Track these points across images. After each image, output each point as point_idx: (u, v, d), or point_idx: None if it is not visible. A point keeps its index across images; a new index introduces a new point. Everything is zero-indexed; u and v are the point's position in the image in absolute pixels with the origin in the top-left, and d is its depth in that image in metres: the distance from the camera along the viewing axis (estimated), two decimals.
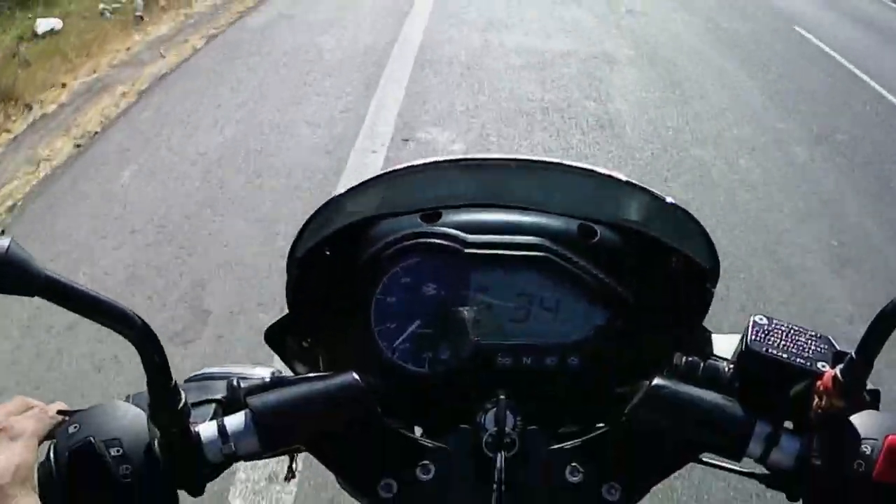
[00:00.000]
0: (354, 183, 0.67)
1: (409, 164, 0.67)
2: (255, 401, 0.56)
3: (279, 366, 0.70)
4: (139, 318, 0.49)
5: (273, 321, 0.70)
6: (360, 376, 0.57)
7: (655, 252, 0.66)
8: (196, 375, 0.66)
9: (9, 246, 0.44)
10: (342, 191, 0.66)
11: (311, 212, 0.67)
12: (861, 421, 0.52)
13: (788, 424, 0.55)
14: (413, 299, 0.63)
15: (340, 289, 0.66)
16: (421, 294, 0.63)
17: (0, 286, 0.44)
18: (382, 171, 0.67)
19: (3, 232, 0.50)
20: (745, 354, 0.54)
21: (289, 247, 0.68)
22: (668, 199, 0.65)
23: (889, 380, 2.20)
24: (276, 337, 0.72)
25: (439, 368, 0.63)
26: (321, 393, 0.56)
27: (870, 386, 0.53)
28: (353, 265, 0.65)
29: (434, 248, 0.62)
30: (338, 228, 0.66)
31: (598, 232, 0.65)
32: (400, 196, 0.69)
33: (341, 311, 0.66)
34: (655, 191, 0.65)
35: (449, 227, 0.64)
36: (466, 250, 0.62)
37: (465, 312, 0.62)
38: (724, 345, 0.64)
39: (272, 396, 0.56)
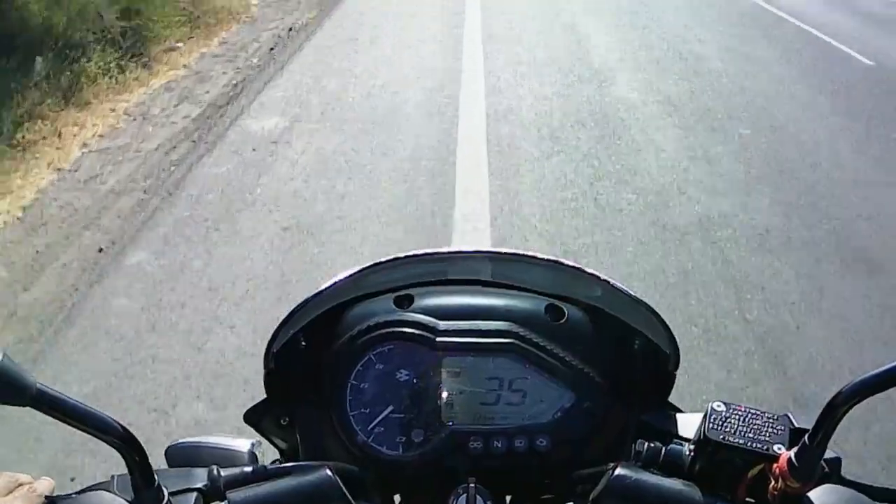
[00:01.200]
0: (325, 285, 0.69)
1: (381, 260, 0.70)
2: (234, 496, 0.57)
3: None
4: (122, 426, 0.51)
5: (251, 405, 0.72)
6: (335, 467, 0.58)
7: (619, 333, 0.68)
8: (178, 445, 0.68)
9: (1, 359, 0.46)
10: (316, 290, 0.68)
11: (288, 311, 0.69)
12: (819, 496, 0.53)
13: None
14: (387, 385, 0.65)
15: (316, 375, 0.67)
16: (394, 380, 0.65)
17: None
18: (355, 269, 0.69)
19: None
20: (703, 442, 0.56)
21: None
22: (631, 293, 0.67)
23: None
24: (256, 417, 0.73)
25: (413, 452, 0.64)
26: (297, 489, 0.58)
27: (830, 454, 0.55)
28: (327, 352, 0.67)
29: (406, 336, 0.64)
30: (312, 318, 0.68)
31: (567, 312, 0.67)
32: (373, 280, 0.71)
33: (317, 396, 0.67)
34: (619, 284, 0.68)
35: (421, 313, 0.66)
36: (438, 339, 0.64)
37: (438, 397, 0.64)
38: (688, 423, 0.65)
39: (250, 493, 0.58)
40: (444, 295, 0.69)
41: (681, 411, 0.68)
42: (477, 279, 0.71)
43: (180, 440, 0.69)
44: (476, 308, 0.67)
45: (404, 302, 0.68)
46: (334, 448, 0.66)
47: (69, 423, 0.50)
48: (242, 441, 0.69)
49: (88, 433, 0.51)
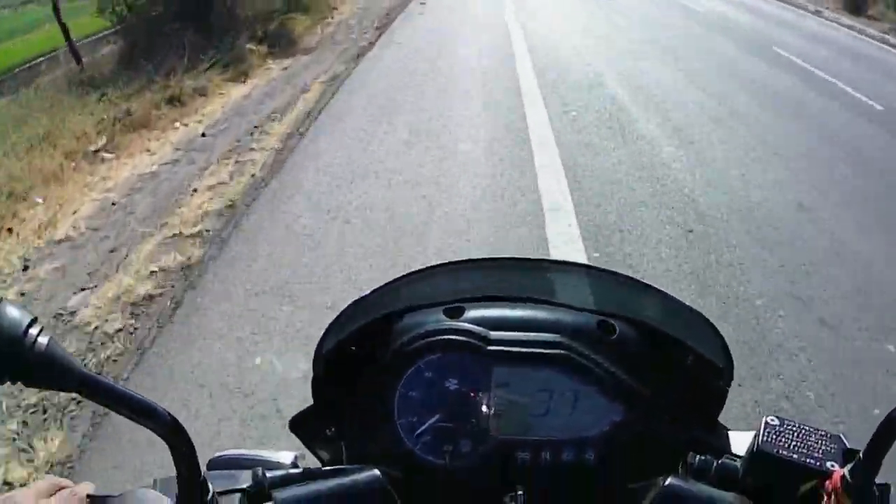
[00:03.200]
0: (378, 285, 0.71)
1: (433, 265, 0.71)
2: (280, 494, 0.57)
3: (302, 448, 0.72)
4: (169, 414, 0.51)
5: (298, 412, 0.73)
6: (382, 471, 0.58)
7: (672, 350, 0.69)
8: (221, 457, 0.68)
9: (48, 343, 0.46)
10: (366, 292, 0.69)
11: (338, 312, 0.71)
12: None
13: None
14: (435, 394, 0.66)
15: (364, 382, 0.68)
16: (443, 388, 0.66)
17: (40, 381, 0.47)
18: (407, 273, 0.70)
19: (41, 328, 0.51)
20: (757, 455, 0.56)
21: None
22: (686, 304, 0.68)
23: None
24: (301, 426, 0.74)
25: (460, 462, 0.64)
26: (345, 488, 0.58)
27: (880, 480, 0.55)
28: (377, 360, 0.68)
29: (456, 344, 0.65)
30: (362, 324, 0.69)
31: (617, 328, 0.67)
32: (424, 292, 0.72)
33: (365, 404, 0.68)
34: (673, 295, 0.69)
35: (471, 323, 0.67)
36: (488, 347, 0.65)
37: (486, 407, 0.65)
38: (739, 441, 0.66)
39: (297, 491, 0.58)
40: (495, 308, 0.70)
41: (731, 430, 0.68)
42: (528, 296, 0.72)
43: (222, 452, 0.69)
44: (527, 320, 0.68)
45: (455, 313, 0.69)
46: (380, 456, 0.67)
47: (115, 410, 0.50)
48: (285, 453, 0.69)
49: (134, 420, 0.50)
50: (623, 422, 0.64)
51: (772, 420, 0.57)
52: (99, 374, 0.50)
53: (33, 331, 0.46)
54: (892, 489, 0.57)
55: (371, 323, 0.70)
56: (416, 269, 0.71)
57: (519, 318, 0.69)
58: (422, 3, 12.23)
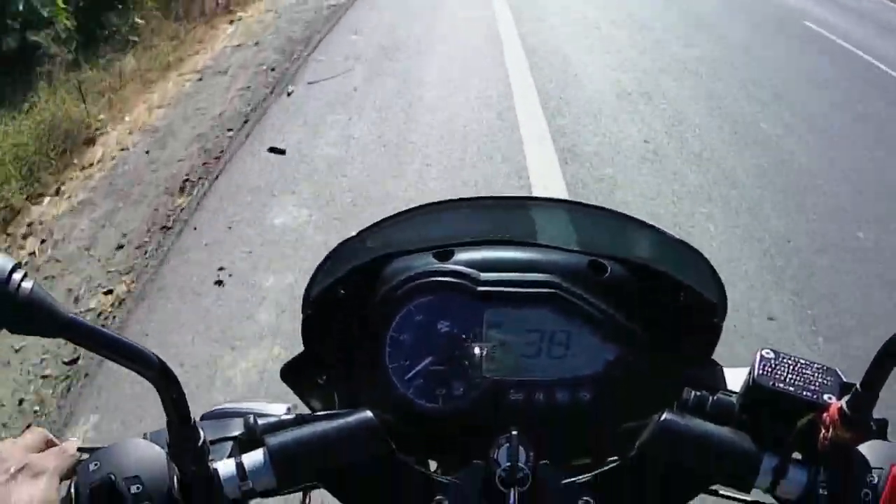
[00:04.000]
0: (366, 224, 0.69)
1: (421, 204, 0.69)
2: (271, 439, 0.57)
3: (294, 400, 0.71)
4: (157, 357, 0.50)
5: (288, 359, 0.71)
6: (375, 413, 0.58)
7: (664, 287, 0.68)
8: (213, 411, 0.67)
9: (32, 288, 0.46)
10: (354, 233, 0.68)
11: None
12: (867, 451, 0.53)
13: (797, 455, 0.56)
14: (426, 336, 0.65)
15: (355, 327, 0.67)
16: (434, 331, 0.65)
17: (24, 327, 0.46)
18: (394, 213, 0.69)
19: (25, 273, 0.50)
20: (753, 388, 0.55)
21: None
22: (676, 237, 0.67)
23: None
24: (292, 374, 0.73)
25: (452, 404, 0.64)
26: (337, 430, 0.57)
27: (877, 415, 0.55)
28: (366, 304, 0.67)
29: (447, 286, 0.64)
30: (351, 268, 0.68)
31: (609, 268, 0.66)
32: (412, 235, 0.71)
33: (356, 349, 0.67)
34: (665, 229, 0.67)
35: (461, 265, 0.66)
36: (479, 288, 0.64)
37: (478, 349, 0.64)
38: (734, 378, 0.65)
39: (289, 434, 0.57)
40: (486, 249, 0.69)
41: (727, 367, 0.67)
42: (519, 239, 0.71)
43: (214, 407, 0.68)
44: (518, 261, 0.67)
45: (445, 256, 0.67)
46: (373, 402, 0.66)
47: (102, 354, 0.50)
48: (278, 405, 0.68)
49: (121, 364, 0.50)
50: (617, 360, 0.63)
51: (767, 353, 0.56)
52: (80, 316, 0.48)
53: (16, 276, 0.45)
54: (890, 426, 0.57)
55: (360, 266, 0.68)
56: (404, 209, 0.70)
57: (510, 259, 0.67)
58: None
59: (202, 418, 0.66)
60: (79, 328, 0.48)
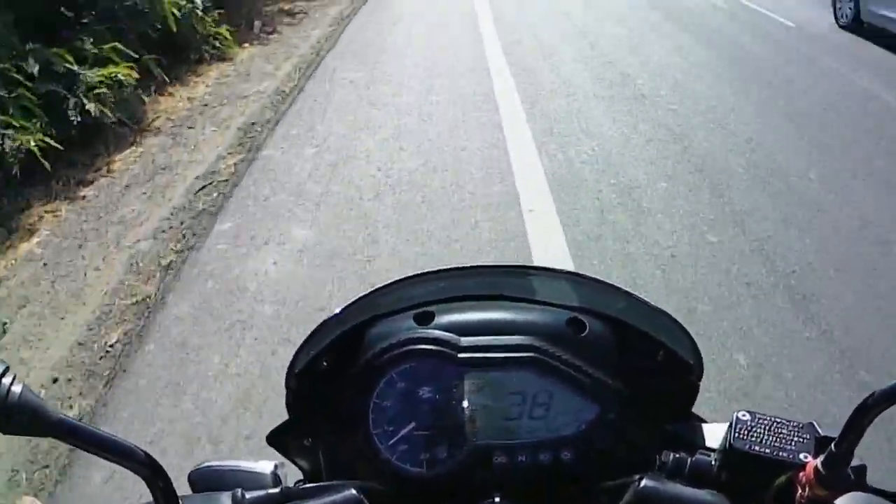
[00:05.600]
0: (343, 307, 0.70)
1: (402, 277, 0.70)
2: None
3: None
4: (145, 453, 0.52)
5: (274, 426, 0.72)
6: (360, 487, 0.58)
7: (642, 346, 0.69)
8: (200, 469, 0.68)
9: (21, 392, 0.47)
10: (334, 312, 0.69)
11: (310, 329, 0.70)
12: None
13: None
14: (409, 402, 0.65)
15: (339, 394, 0.68)
16: (417, 397, 0.65)
17: (15, 428, 0.47)
18: (376, 287, 0.70)
19: (14, 376, 0.52)
20: (729, 452, 0.56)
21: None
22: (652, 304, 0.68)
23: None
24: (279, 439, 0.74)
25: (437, 469, 0.64)
26: None
27: (856, 462, 0.55)
28: (349, 371, 0.67)
29: (428, 353, 0.65)
30: (333, 338, 0.68)
31: (587, 325, 0.67)
32: (393, 298, 0.72)
33: (340, 416, 0.68)
34: (640, 295, 0.68)
35: (442, 329, 0.66)
36: (460, 355, 0.64)
37: (461, 413, 0.64)
38: (712, 433, 0.66)
39: None
40: (465, 311, 0.69)
41: (705, 421, 0.68)
42: (498, 294, 0.72)
43: (203, 464, 0.69)
44: (497, 323, 0.68)
45: (425, 319, 0.68)
46: (358, 467, 0.67)
47: (92, 452, 0.51)
48: (265, 463, 0.69)
49: (111, 461, 0.51)
50: (598, 419, 0.64)
51: (743, 415, 0.57)
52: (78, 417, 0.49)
53: (6, 380, 0.47)
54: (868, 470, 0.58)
55: (341, 336, 0.69)
56: (385, 283, 0.71)
57: (488, 320, 0.68)
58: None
59: (190, 475, 0.67)
60: (68, 428, 0.49)
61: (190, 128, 5.29)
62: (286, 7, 9.47)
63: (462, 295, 0.72)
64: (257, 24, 8.23)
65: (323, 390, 0.69)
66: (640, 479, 0.56)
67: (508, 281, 0.74)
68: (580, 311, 0.69)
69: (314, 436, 0.72)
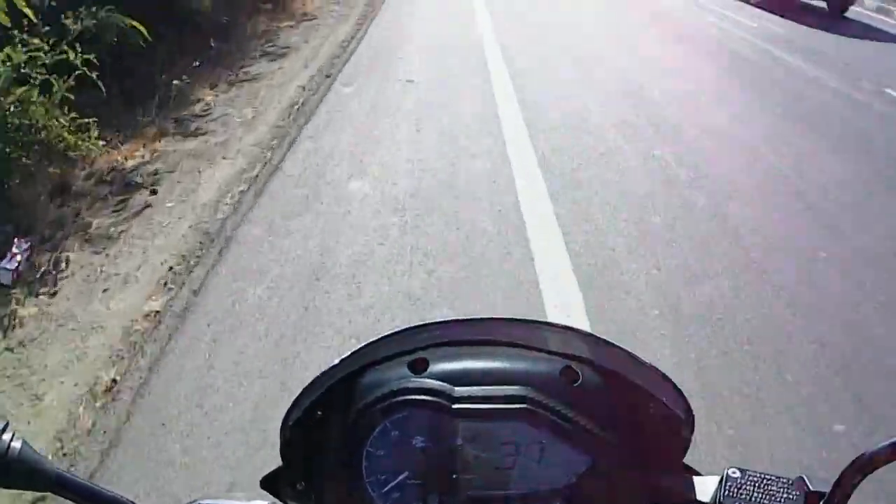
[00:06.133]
0: (337, 360, 0.70)
1: (396, 329, 0.71)
2: None
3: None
4: None
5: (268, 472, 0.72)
6: None
7: (635, 397, 0.69)
8: None
9: (21, 448, 0.48)
10: (329, 365, 0.70)
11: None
12: None
13: None
14: (403, 451, 0.65)
15: (331, 443, 0.68)
16: (410, 446, 0.65)
17: (13, 483, 0.48)
18: (371, 339, 0.70)
19: (14, 433, 0.54)
20: None
21: None
22: (645, 361, 0.69)
23: None
24: (272, 484, 0.74)
25: None
26: None
27: None
28: (343, 420, 0.68)
29: (422, 403, 0.65)
30: (327, 388, 0.69)
31: (581, 375, 0.68)
32: (387, 346, 0.72)
33: (334, 463, 0.68)
34: (632, 352, 0.69)
35: (436, 378, 0.67)
36: (454, 406, 0.65)
37: (454, 463, 0.64)
38: (703, 487, 0.66)
39: None
40: (459, 359, 0.70)
41: (698, 474, 0.68)
42: (493, 339, 0.73)
43: (196, 501, 0.69)
44: (490, 371, 0.68)
45: (419, 367, 0.69)
46: None
47: None
48: (259, 503, 0.69)
49: None
50: (589, 471, 0.64)
51: (733, 473, 0.58)
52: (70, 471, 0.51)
53: (6, 436, 0.48)
54: None
55: (335, 386, 0.69)
56: (381, 335, 0.71)
57: (482, 369, 0.69)
58: None
59: None
60: (67, 483, 0.50)
61: None
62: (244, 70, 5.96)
63: (457, 340, 0.73)
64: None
65: (317, 438, 0.70)
66: None
67: (502, 329, 0.75)
68: (574, 360, 0.69)
69: (307, 480, 0.72)
